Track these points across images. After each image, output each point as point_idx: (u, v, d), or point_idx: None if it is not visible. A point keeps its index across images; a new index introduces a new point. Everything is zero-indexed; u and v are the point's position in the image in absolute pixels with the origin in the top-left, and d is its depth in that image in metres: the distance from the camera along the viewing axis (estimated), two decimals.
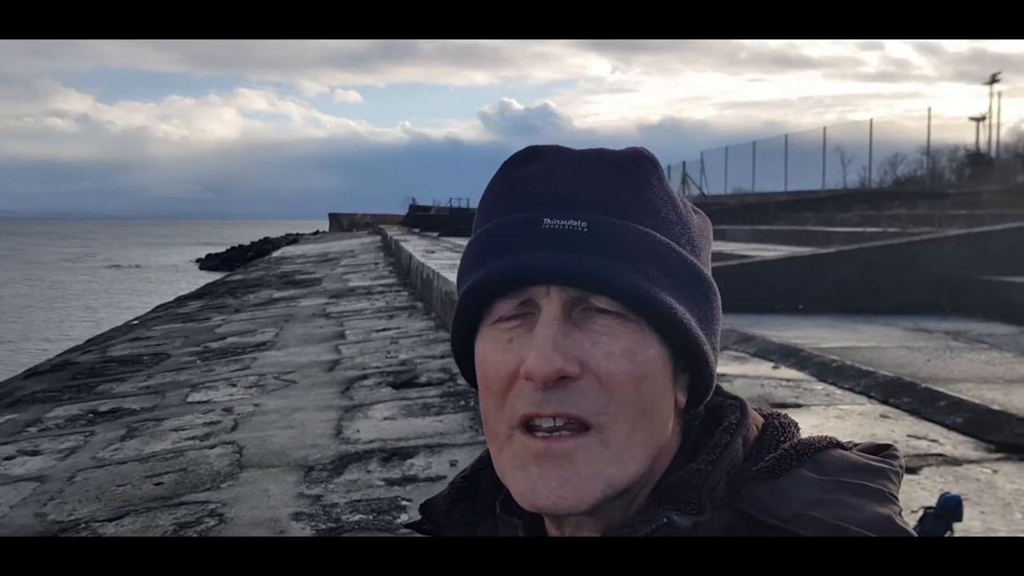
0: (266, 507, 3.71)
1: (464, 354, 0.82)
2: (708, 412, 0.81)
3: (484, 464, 0.85)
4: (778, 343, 4.23)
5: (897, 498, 0.73)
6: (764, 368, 3.54)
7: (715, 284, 0.80)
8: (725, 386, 3.05)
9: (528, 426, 0.74)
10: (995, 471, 2.83)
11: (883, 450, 0.78)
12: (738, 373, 3.44)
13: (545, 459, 0.73)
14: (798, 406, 2.93)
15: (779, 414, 0.82)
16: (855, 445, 0.78)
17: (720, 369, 2.90)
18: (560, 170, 0.79)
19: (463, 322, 0.80)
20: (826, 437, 0.77)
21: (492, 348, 0.77)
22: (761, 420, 0.82)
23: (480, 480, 0.85)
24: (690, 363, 0.77)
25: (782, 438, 0.78)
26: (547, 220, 0.75)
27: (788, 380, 3.29)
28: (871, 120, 31.40)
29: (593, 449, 0.73)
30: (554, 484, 0.73)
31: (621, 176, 0.78)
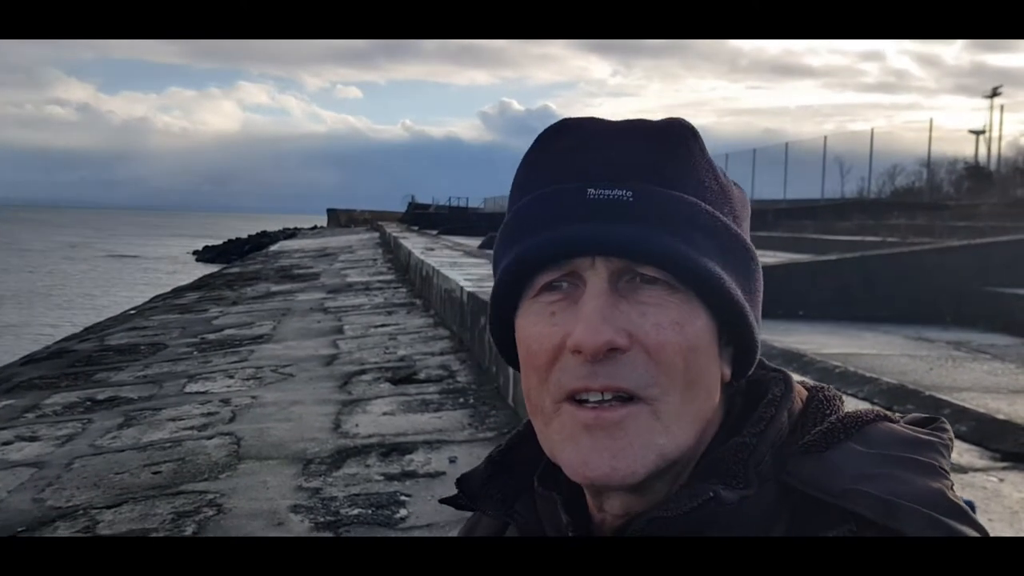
0: (264, 499, 3.69)
1: (502, 330, 0.80)
2: (751, 385, 0.79)
3: (521, 439, 0.84)
4: (780, 348, 4.22)
5: (948, 472, 0.71)
6: None
7: (757, 255, 0.78)
8: None
9: (576, 398, 0.72)
10: (1001, 480, 2.82)
11: (931, 423, 0.76)
12: None
13: (596, 429, 0.72)
14: None
15: (824, 387, 0.80)
16: (902, 417, 0.77)
17: None
18: (601, 140, 0.77)
19: (503, 296, 0.78)
20: (873, 409, 0.76)
21: (535, 322, 0.75)
22: (805, 393, 0.80)
23: (517, 454, 0.83)
24: (735, 334, 0.76)
25: (828, 411, 0.76)
26: (591, 191, 0.74)
27: None
28: (872, 130, 31.46)
29: (644, 419, 0.72)
30: (607, 455, 0.71)
31: (663, 145, 0.76)
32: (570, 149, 0.77)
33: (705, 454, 0.75)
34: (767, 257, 10.82)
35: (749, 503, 0.71)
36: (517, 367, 0.79)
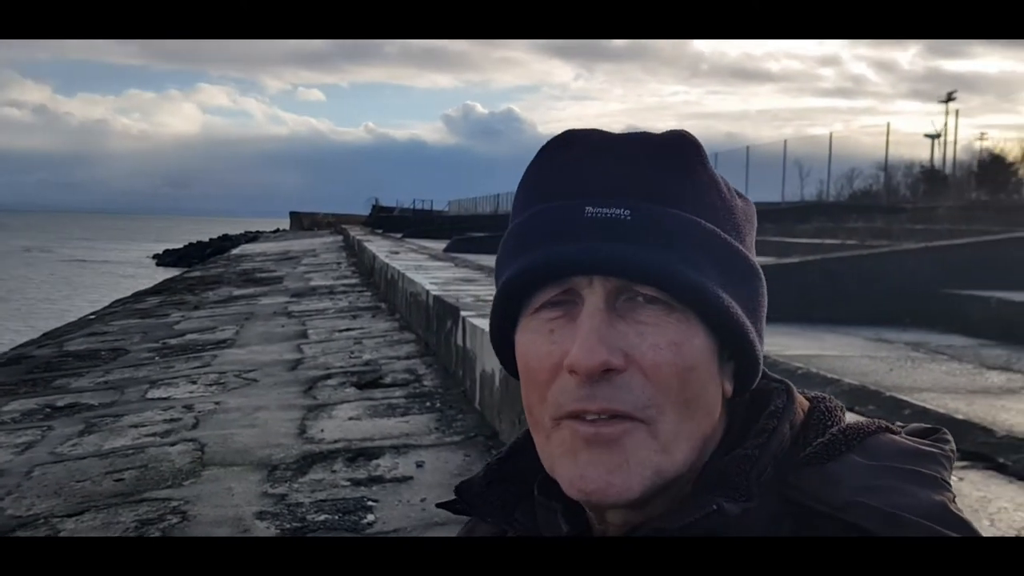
0: (230, 505, 3.65)
1: (503, 343, 0.80)
2: (753, 396, 0.79)
3: (520, 447, 0.84)
4: None
5: (950, 484, 0.72)
6: None
7: (760, 270, 0.78)
8: None
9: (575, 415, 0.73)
10: (961, 479, 2.87)
11: (932, 433, 0.77)
12: None
13: (595, 444, 0.72)
14: None
15: (825, 397, 0.81)
16: (903, 428, 0.77)
17: None
18: (601, 155, 0.77)
19: (503, 313, 0.78)
20: (875, 421, 0.76)
21: (534, 339, 0.75)
22: (807, 404, 0.80)
23: (516, 463, 0.84)
24: (736, 351, 0.76)
25: (829, 422, 0.77)
26: (589, 208, 0.74)
27: None
28: (830, 134, 31.93)
29: (641, 437, 0.72)
30: (603, 470, 0.71)
31: (664, 161, 0.76)
32: (571, 163, 0.77)
33: (707, 466, 0.75)
34: None
35: (751, 515, 0.71)
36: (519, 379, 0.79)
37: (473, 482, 0.84)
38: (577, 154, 0.77)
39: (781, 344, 5.50)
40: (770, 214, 24.88)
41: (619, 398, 0.71)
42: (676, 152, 0.77)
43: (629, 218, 0.73)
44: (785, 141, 34.24)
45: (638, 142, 0.77)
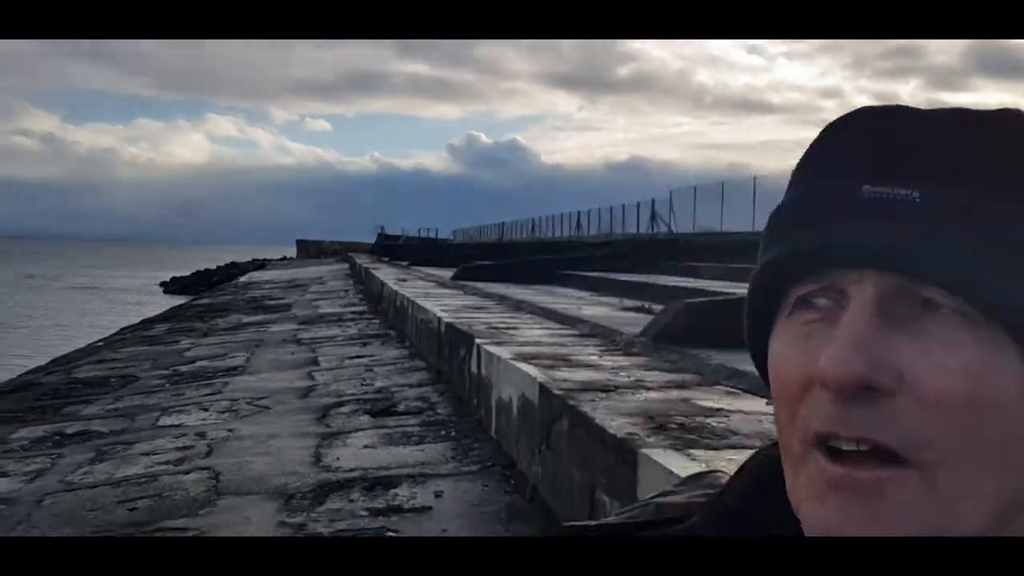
0: (246, 535, 3.57)
1: (762, 351, 0.65)
2: None
3: (756, 484, 0.68)
4: None
5: None
6: (759, 404, 3.50)
7: None
8: (722, 421, 2.95)
9: (827, 445, 0.58)
10: None
11: None
12: (734, 409, 3.39)
13: (845, 490, 0.57)
14: None
15: None
16: None
17: (715, 404, 2.80)
18: (895, 128, 0.61)
19: (757, 311, 0.64)
20: None
21: (786, 345, 0.61)
22: None
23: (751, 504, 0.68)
24: None
25: None
26: (867, 187, 0.59)
27: None
28: None
29: (911, 488, 0.56)
30: (854, 524, 0.57)
31: (972, 135, 0.60)
32: (855, 138, 0.62)
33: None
34: (745, 289, 10.89)
35: None
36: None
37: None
38: (864, 128, 0.62)
39: None
40: None
41: (882, 427, 0.56)
42: (990, 125, 0.60)
43: (918, 200, 0.57)
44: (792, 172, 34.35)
45: (946, 115, 0.62)
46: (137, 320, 16.80)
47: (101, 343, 12.37)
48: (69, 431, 5.97)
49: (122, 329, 15.14)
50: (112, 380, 8.24)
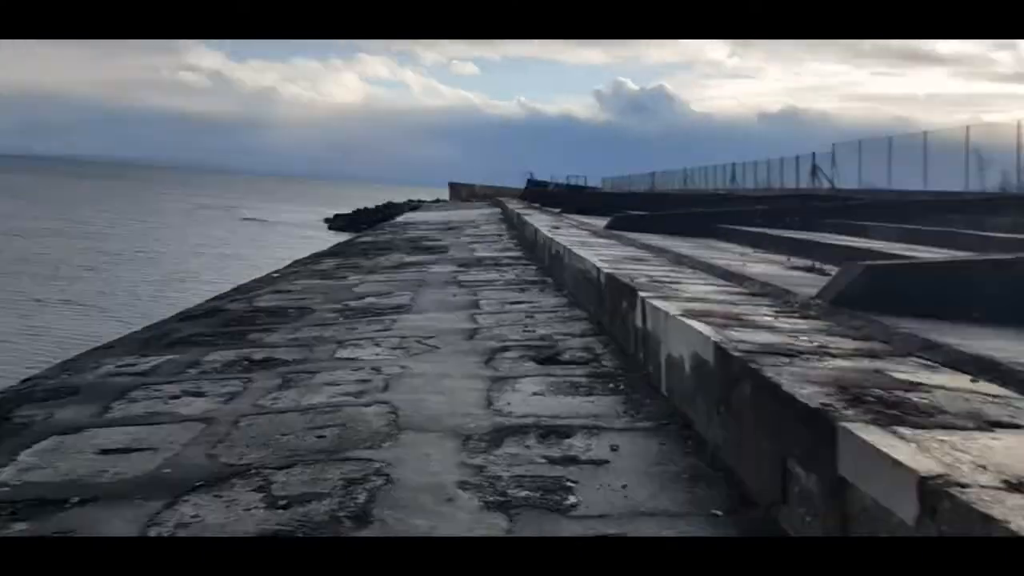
0: (429, 472, 3.72)
1: None
2: None
3: None
4: (970, 354, 3.95)
5: None
6: (961, 381, 3.30)
7: None
8: (924, 397, 2.77)
9: None
10: None
11: None
12: (935, 384, 3.21)
13: None
14: (1016, 426, 2.71)
15: None
16: None
17: (913, 378, 2.64)
18: None
19: None
20: None
21: None
22: None
23: None
24: None
25: None
26: None
27: (994, 396, 3.05)
28: (1019, 123, 29.64)
29: None
30: None
31: None
32: None
33: None
34: (921, 252, 10.30)
35: None
36: None
37: None
38: None
39: (1015, 351, 5.08)
40: (954, 205, 23.33)
41: None
42: None
43: None
44: (968, 127, 32.12)
45: None
46: (307, 254, 17.61)
47: (276, 274, 13.04)
48: (256, 357, 6.35)
49: (294, 261, 15.91)
50: (290, 311, 8.69)
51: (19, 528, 3.17)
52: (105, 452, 4.10)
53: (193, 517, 3.26)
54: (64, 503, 3.43)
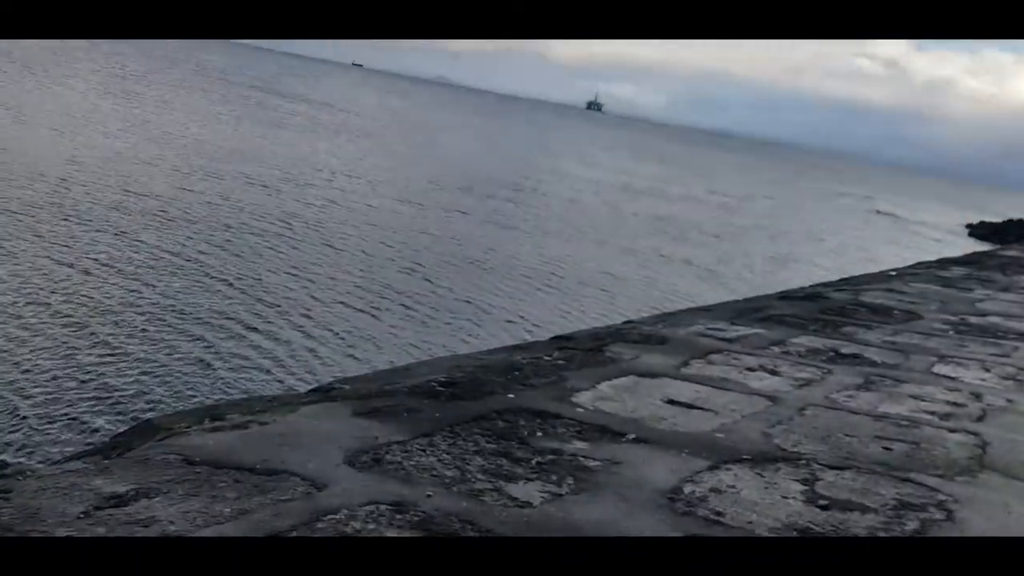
0: (1003, 524, 3.11)
1: None
2: None
3: None
4: None
5: None
6: None
7: None
8: None
9: None
10: None
11: None
12: None
13: None
14: None
15: None
16: None
17: None
18: None
19: None
20: None
21: None
22: None
23: None
24: None
25: None
26: None
27: None
28: None
29: None
30: None
31: None
32: None
33: None
34: None
35: None
36: None
37: None
38: None
39: None
40: None
41: None
42: None
43: None
44: None
45: None
46: (934, 258, 16.27)
47: (894, 272, 12.29)
48: (844, 351, 6.03)
49: (917, 263, 14.83)
50: (895, 312, 8.09)
51: (579, 446, 3.46)
52: (671, 402, 4.27)
53: (730, 487, 3.21)
54: (621, 436, 3.65)
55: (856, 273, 12.31)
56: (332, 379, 5.21)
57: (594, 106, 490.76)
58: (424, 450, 3.23)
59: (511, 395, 4.05)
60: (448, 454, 3.21)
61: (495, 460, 3.20)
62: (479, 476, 3.03)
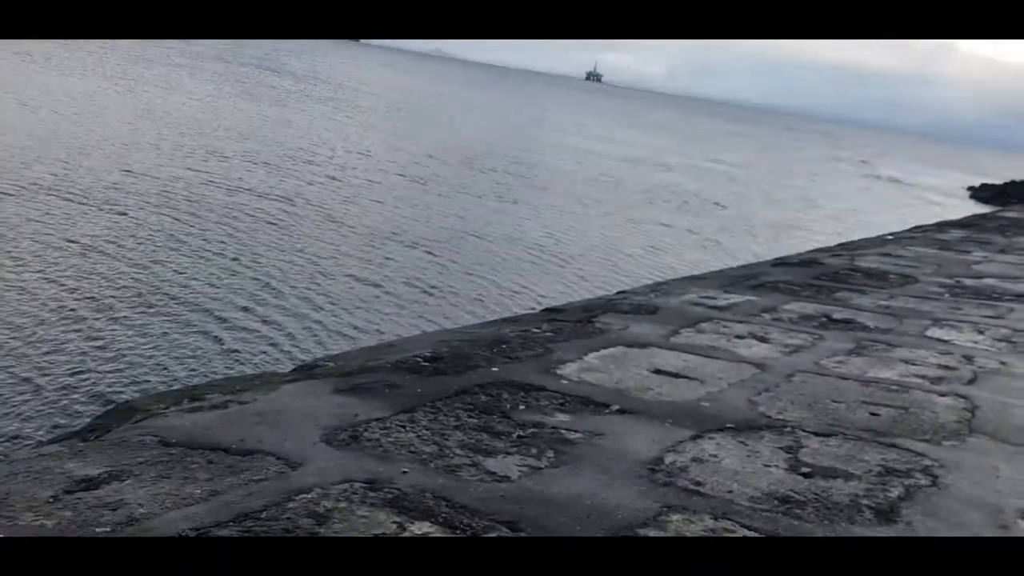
0: (990, 488, 3.08)
1: None
2: None
3: None
4: None
5: None
6: None
7: None
8: None
9: None
10: None
11: None
12: None
13: None
14: None
15: None
16: None
17: None
18: None
19: None
20: None
21: None
22: None
23: None
24: None
25: None
26: None
27: None
28: None
29: None
30: None
31: None
32: None
33: None
34: None
35: None
36: None
37: None
38: None
39: None
40: None
41: None
42: None
43: None
44: None
45: None
46: (932, 221, 16.19)
47: (890, 236, 12.22)
48: (836, 316, 5.99)
49: (914, 227, 14.75)
50: (891, 276, 8.04)
51: (561, 419, 3.43)
52: (658, 372, 4.23)
53: (711, 456, 3.18)
54: (605, 407, 3.62)
55: (855, 238, 12.24)
56: (317, 357, 5.17)
57: (593, 76, 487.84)
58: (404, 426, 3.20)
59: (495, 368, 4.02)
60: (428, 430, 3.18)
61: (475, 435, 3.18)
62: (457, 451, 3.00)
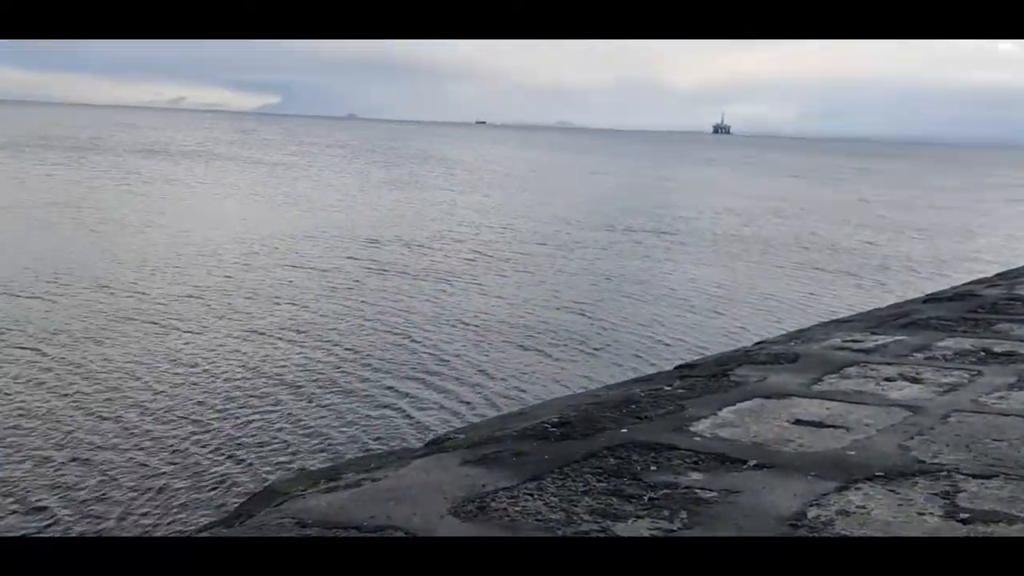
0: None
1: None
2: None
3: None
4: None
5: None
6: None
7: None
8: None
9: None
10: None
11: None
12: None
13: None
14: None
15: None
16: None
17: None
18: None
19: None
20: None
21: None
22: None
23: None
24: None
25: None
26: None
27: None
28: None
29: None
30: None
31: None
32: None
33: None
34: None
35: None
36: None
37: None
38: None
39: None
40: None
41: None
42: None
43: None
44: None
45: None
46: None
47: None
48: (996, 349, 5.58)
49: None
50: None
51: (695, 478, 3.31)
52: (799, 422, 4.04)
53: (859, 507, 2.98)
54: (742, 463, 3.47)
55: (1014, 267, 11.45)
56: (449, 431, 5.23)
57: (721, 129, 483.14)
58: (531, 494, 3.16)
59: (624, 430, 3.93)
60: (555, 496, 3.13)
61: (604, 499, 3.10)
62: (586, 517, 2.94)
